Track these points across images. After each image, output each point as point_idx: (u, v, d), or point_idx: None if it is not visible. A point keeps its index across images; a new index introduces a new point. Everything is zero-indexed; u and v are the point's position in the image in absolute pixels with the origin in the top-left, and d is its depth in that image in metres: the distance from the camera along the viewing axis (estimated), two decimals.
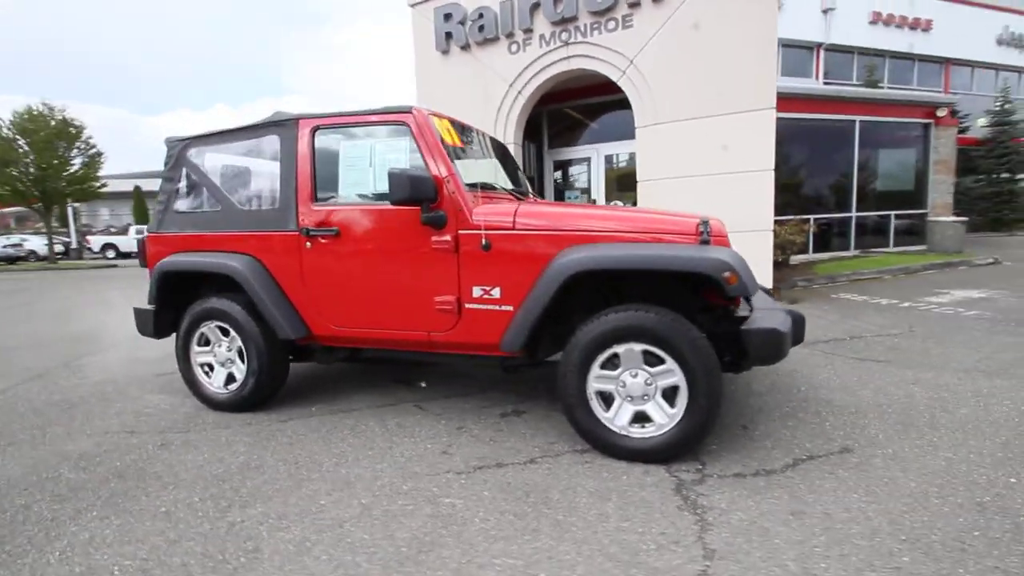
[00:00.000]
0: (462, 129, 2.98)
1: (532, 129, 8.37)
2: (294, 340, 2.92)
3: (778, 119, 6.11)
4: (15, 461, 2.53)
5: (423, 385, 3.51)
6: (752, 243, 5.61)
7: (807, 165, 10.59)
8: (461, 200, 2.54)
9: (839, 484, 2.07)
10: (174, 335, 3.25)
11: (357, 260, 2.74)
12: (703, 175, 6.26)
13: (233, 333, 3.01)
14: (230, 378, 3.08)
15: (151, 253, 3.27)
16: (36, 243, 22.52)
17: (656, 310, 2.21)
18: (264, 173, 3.01)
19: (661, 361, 2.23)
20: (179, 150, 3.21)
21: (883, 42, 16.17)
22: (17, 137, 18.11)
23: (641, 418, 2.31)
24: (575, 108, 8.95)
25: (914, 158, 11.51)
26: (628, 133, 7.37)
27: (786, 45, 14.72)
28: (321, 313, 2.87)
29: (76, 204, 24.44)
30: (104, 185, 20.99)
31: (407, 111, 2.65)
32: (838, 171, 10.83)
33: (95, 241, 24.50)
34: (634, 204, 7.07)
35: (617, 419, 2.32)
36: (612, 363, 2.31)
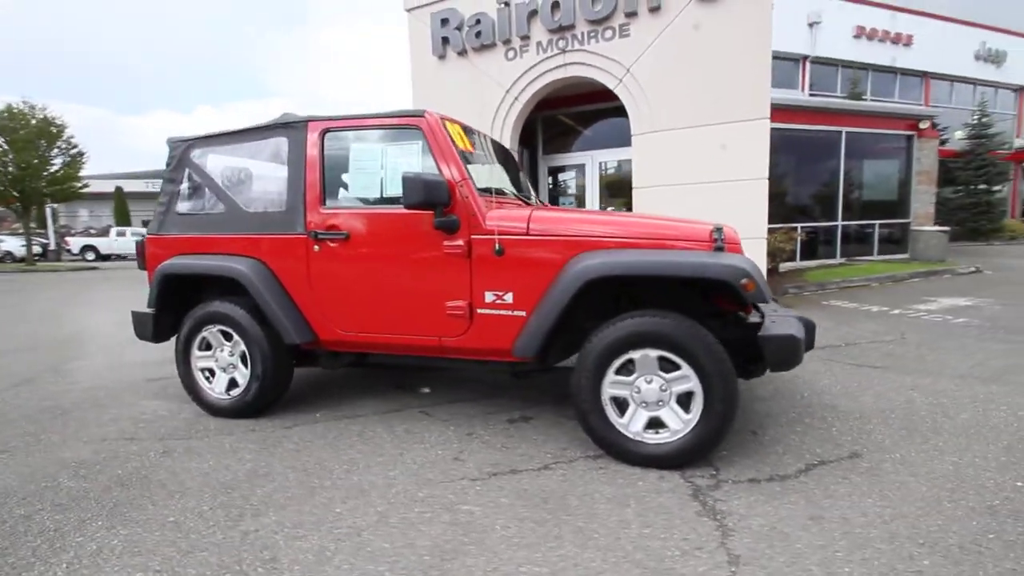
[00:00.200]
0: (470, 133, 2.97)
1: (527, 135, 8.40)
2: (299, 345, 2.88)
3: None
4: (10, 469, 2.44)
5: (426, 391, 3.48)
6: (746, 251, 5.68)
7: (795, 175, 10.78)
8: (474, 205, 2.53)
9: (853, 489, 2.10)
10: (172, 340, 3.18)
11: (367, 264, 2.71)
12: (698, 183, 6.34)
13: (236, 337, 2.95)
14: (232, 383, 3.02)
15: (151, 255, 3.20)
16: (12, 244, 21.92)
17: (672, 316, 2.22)
18: (271, 175, 2.97)
19: (676, 367, 2.24)
20: (182, 150, 3.15)
21: (867, 55, 16.60)
22: None
23: (655, 424, 2.31)
24: (570, 115, 9.01)
25: (897, 169, 11.79)
26: (623, 140, 7.44)
27: (774, 57, 14.82)
28: (328, 317, 2.83)
29: (55, 205, 23.87)
30: (86, 186, 20.52)
31: (420, 115, 2.63)
32: (824, 181, 11.05)
33: (74, 243, 23.92)
34: (628, 210, 7.13)
35: (631, 425, 2.32)
36: (627, 369, 2.31)
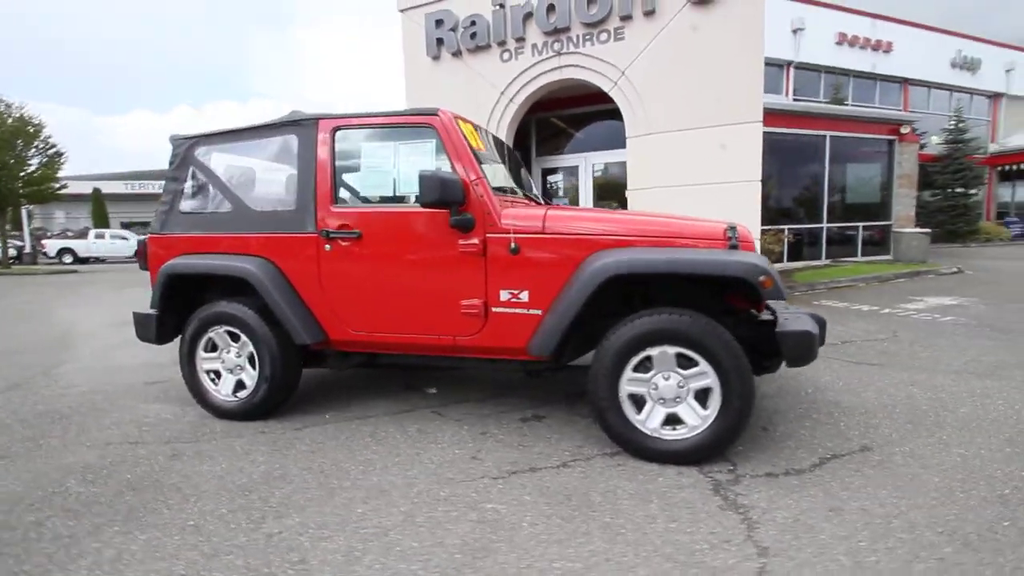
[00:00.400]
0: (479, 132, 2.97)
1: (520, 136, 8.43)
2: (309, 345, 2.84)
3: None
4: (13, 475, 2.37)
5: (432, 391, 3.46)
6: None
7: (780, 178, 10.98)
8: (489, 203, 2.53)
9: (867, 481, 2.14)
10: (172, 341, 3.13)
11: (380, 263, 2.69)
12: (692, 185, 6.42)
13: (244, 338, 2.90)
14: (239, 385, 2.97)
15: (153, 255, 3.14)
16: None
17: (689, 313, 2.25)
18: (279, 173, 2.94)
19: (694, 364, 2.26)
20: (186, 149, 3.09)
21: (848, 62, 17.01)
22: None
23: (672, 420, 2.33)
24: (564, 117, 9.06)
25: (879, 172, 12.10)
26: (617, 143, 7.51)
27: None
28: (339, 317, 2.80)
29: (31, 207, 23.22)
30: (64, 187, 20.01)
31: (433, 113, 2.63)
32: (809, 184, 11.28)
33: (51, 245, 23.25)
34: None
35: (649, 421, 2.34)
36: (644, 366, 2.33)
